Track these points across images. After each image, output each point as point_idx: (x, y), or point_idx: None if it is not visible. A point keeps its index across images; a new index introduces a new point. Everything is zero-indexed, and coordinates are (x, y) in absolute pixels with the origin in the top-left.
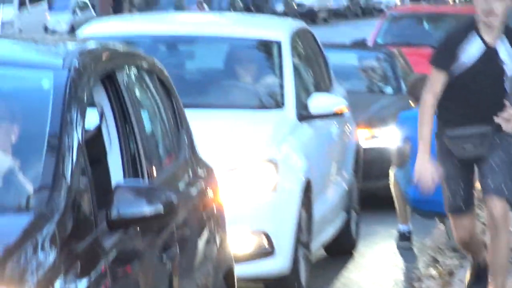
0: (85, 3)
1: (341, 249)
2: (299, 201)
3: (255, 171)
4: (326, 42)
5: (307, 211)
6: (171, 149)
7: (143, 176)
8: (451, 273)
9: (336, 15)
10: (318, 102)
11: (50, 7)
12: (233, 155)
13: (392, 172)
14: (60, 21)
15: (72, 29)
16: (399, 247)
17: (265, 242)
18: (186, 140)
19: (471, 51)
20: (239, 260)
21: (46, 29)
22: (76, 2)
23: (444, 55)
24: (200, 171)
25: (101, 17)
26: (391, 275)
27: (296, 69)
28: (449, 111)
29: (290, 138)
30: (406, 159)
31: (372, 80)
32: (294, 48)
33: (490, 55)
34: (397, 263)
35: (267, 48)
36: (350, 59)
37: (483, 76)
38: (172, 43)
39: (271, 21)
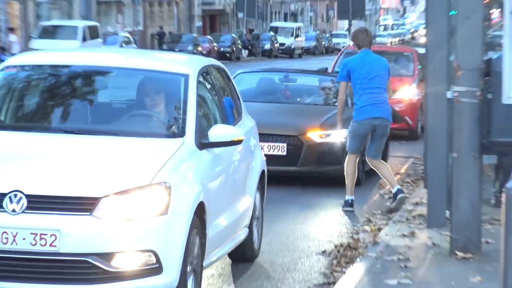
0: None
1: (244, 258)
2: (189, 222)
3: (147, 193)
4: (298, 69)
5: (199, 231)
6: None
7: None
8: (380, 229)
9: (307, 52)
10: (217, 132)
11: None
12: (129, 177)
13: (347, 157)
14: None
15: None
16: (344, 211)
17: (153, 260)
18: None
19: None
20: (127, 277)
21: None
22: None
23: None
24: None
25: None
26: (338, 230)
27: (203, 101)
28: None
29: (187, 163)
30: None
31: (328, 96)
32: (202, 82)
33: None
34: (342, 222)
35: (174, 80)
36: (313, 81)
37: None
38: (88, 74)
39: (182, 57)
